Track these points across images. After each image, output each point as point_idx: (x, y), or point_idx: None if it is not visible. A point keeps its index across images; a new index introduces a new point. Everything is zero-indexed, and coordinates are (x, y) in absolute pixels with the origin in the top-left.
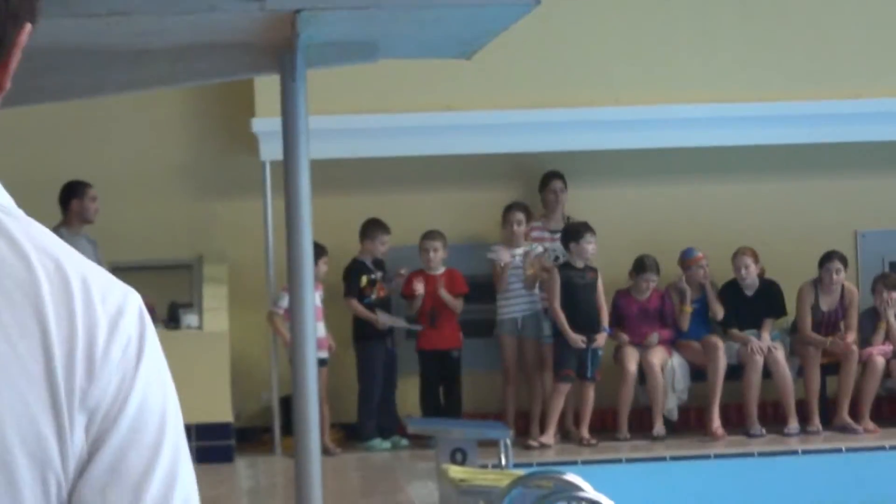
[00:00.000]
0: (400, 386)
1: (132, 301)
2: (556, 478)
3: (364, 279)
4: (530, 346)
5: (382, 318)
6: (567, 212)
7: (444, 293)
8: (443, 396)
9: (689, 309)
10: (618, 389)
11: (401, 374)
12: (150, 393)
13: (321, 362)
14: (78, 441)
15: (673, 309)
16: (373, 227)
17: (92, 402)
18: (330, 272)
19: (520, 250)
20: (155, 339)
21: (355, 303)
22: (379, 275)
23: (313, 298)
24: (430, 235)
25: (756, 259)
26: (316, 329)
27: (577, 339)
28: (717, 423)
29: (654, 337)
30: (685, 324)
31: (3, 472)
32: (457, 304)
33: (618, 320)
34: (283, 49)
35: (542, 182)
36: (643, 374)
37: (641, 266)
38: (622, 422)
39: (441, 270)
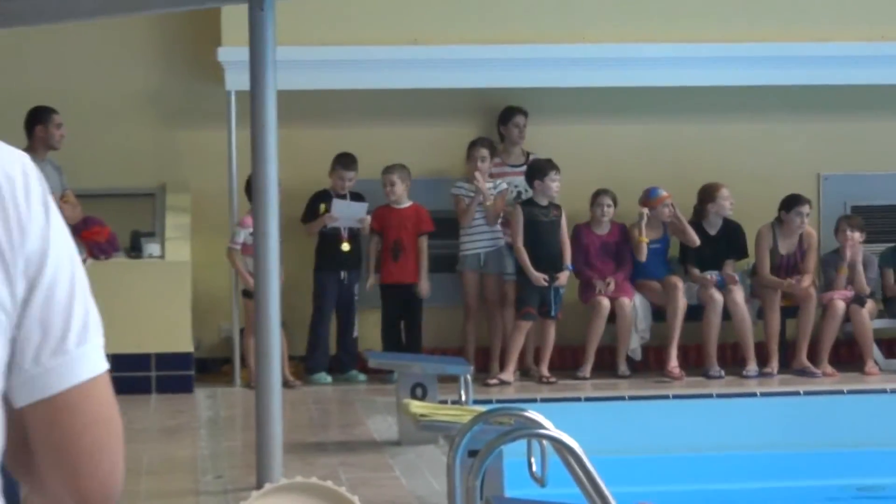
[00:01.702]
0: (361, 321)
1: (28, 162)
2: (518, 414)
3: (322, 207)
4: (492, 282)
5: (335, 206)
6: (528, 148)
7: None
8: (403, 332)
9: (644, 240)
10: (582, 327)
11: (362, 308)
12: (60, 236)
13: None
14: (20, 285)
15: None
16: (336, 161)
17: (27, 252)
18: (293, 204)
19: (484, 185)
20: (47, 190)
21: (310, 225)
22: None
23: (278, 230)
24: (388, 170)
25: None
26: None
27: (539, 278)
28: (674, 362)
29: (611, 284)
30: (642, 255)
31: None
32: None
33: (580, 255)
34: None
35: (502, 116)
36: (612, 313)
37: (596, 193)
38: (588, 358)
39: (408, 204)
